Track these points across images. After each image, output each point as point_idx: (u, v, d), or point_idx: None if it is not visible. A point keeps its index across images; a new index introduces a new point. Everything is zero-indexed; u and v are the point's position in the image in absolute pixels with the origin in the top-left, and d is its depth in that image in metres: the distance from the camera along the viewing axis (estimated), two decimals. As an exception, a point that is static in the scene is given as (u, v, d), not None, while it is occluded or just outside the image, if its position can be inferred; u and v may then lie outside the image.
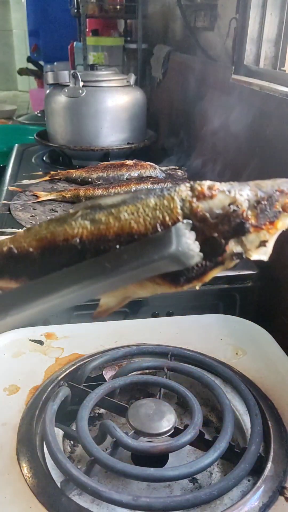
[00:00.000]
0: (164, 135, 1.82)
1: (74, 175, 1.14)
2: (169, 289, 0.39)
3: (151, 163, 1.13)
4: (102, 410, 0.65)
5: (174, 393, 0.63)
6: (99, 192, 1.03)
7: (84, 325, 0.76)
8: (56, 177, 1.16)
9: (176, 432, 0.54)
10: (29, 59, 4.23)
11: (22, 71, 4.41)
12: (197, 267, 0.37)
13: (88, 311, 0.85)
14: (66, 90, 1.35)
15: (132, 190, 1.01)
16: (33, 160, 1.52)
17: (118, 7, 2.21)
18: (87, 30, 2.28)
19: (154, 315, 0.88)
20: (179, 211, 0.37)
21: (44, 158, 1.53)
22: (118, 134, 1.38)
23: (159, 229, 0.36)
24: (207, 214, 0.37)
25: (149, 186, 1.02)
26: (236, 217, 0.37)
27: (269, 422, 0.57)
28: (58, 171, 1.21)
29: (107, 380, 0.64)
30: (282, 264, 0.93)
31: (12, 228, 0.90)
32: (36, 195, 1.05)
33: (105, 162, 1.17)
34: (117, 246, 0.36)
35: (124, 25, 2.47)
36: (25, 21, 4.23)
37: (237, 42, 1.24)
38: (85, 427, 0.53)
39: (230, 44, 1.30)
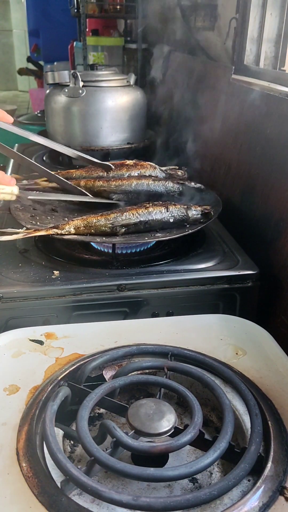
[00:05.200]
0: (164, 135, 1.82)
1: (74, 175, 1.14)
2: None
3: (151, 163, 1.13)
4: (102, 410, 0.65)
5: (174, 393, 0.63)
6: (99, 183, 1.04)
7: (84, 325, 0.76)
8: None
9: (176, 432, 0.54)
10: (29, 59, 4.24)
11: (22, 71, 4.42)
12: None
13: (88, 311, 0.85)
14: (66, 90, 1.35)
15: (133, 185, 1.02)
16: (33, 160, 1.52)
17: (118, 7, 2.21)
18: (87, 30, 2.28)
19: (154, 315, 0.88)
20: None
21: (44, 158, 1.53)
22: (118, 134, 1.38)
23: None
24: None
25: (149, 183, 1.02)
26: None
27: (269, 422, 0.57)
28: (58, 171, 1.20)
29: (107, 380, 0.64)
30: (282, 264, 0.93)
31: (12, 228, 0.90)
32: (38, 184, 1.07)
33: (105, 162, 1.17)
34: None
35: (124, 25, 2.47)
36: (25, 21, 4.24)
37: (237, 42, 1.24)
38: (85, 427, 0.53)
39: (230, 44, 1.30)
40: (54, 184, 1.06)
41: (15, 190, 0.84)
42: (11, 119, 0.82)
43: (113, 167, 1.09)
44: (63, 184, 1.04)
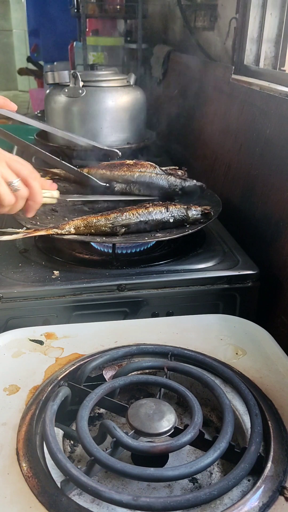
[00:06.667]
0: (164, 135, 1.82)
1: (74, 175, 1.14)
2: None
3: (151, 163, 1.13)
4: (102, 410, 0.65)
5: (174, 393, 0.63)
6: (102, 172, 1.06)
7: (84, 325, 0.76)
8: (56, 177, 1.16)
9: (176, 432, 0.54)
10: (29, 59, 4.23)
11: (22, 71, 4.41)
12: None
13: (88, 311, 0.85)
14: (66, 90, 1.35)
15: (136, 176, 1.03)
16: (33, 160, 1.52)
17: (118, 7, 2.21)
18: (87, 30, 2.28)
19: (154, 315, 0.88)
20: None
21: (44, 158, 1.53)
22: (118, 134, 1.38)
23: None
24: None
25: (152, 175, 1.03)
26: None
27: (269, 422, 0.57)
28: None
29: (107, 380, 0.64)
30: (282, 264, 0.93)
31: (12, 228, 0.90)
32: (48, 171, 1.11)
33: (105, 162, 1.17)
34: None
35: (124, 25, 2.47)
36: (25, 21, 4.23)
37: (237, 42, 1.24)
38: (85, 427, 0.53)
39: (230, 44, 1.30)
40: (58, 170, 1.08)
41: (55, 193, 0.86)
42: (14, 106, 0.82)
43: (120, 153, 1.10)
44: (67, 169, 1.05)
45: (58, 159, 1.05)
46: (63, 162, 1.06)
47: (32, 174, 0.74)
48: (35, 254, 0.94)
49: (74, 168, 1.05)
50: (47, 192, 0.84)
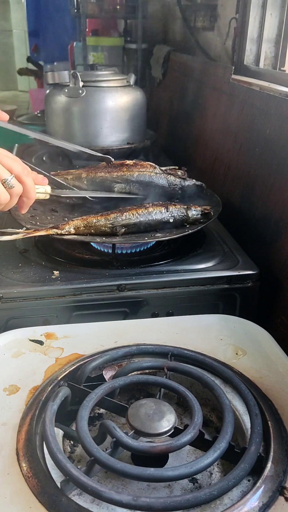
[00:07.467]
0: (164, 135, 1.82)
1: (73, 175, 1.14)
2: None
3: (151, 163, 1.13)
4: (102, 410, 0.65)
5: (174, 393, 0.63)
6: (101, 174, 1.06)
7: (84, 325, 0.76)
8: (56, 177, 1.16)
9: (176, 432, 0.54)
10: (29, 59, 4.23)
11: (22, 71, 4.41)
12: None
13: (88, 311, 0.85)
14: (66, 90, 1.35)
15: (135, 176, 1.04)
16: (33, 160, 1.52)
17: (118, 7, 2.21)
18: (87, 30, 2.28)
19: (154, 315, 0.88)
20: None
21: (44, 158, 1.53)
22: (118, 134, 1.38)
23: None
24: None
25: (151, 174, 1.03)
26: None
27: (269, 422, 0.57)
28: (58, 171, 1.20)
29: (107, 380, 0.64)
30: (282, 264, 0.93)
31: (12, 228, 0.90)
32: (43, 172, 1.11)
33: (105, 162, 1.17)
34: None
35: (124, 25, 2.47)
36: (25, 21, 4.24)
37: (237, 42, 1.24)
38: (85, 427, 0.53)
39: (230, 44, 1.30)
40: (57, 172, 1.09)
41: (48, 189, 0.87)
42: (6, 116, 0.82)
43: (113, 159, 1.10)
44: (56, 184, 1.06)
45: (49, 174, 1.06)
46: (53, 177, 1.06)
47: (25, 170, 0.73)
48: (35, 254, 0.94)
49: (64, 182, 1.06)
50: (40, 188, 0.84)
